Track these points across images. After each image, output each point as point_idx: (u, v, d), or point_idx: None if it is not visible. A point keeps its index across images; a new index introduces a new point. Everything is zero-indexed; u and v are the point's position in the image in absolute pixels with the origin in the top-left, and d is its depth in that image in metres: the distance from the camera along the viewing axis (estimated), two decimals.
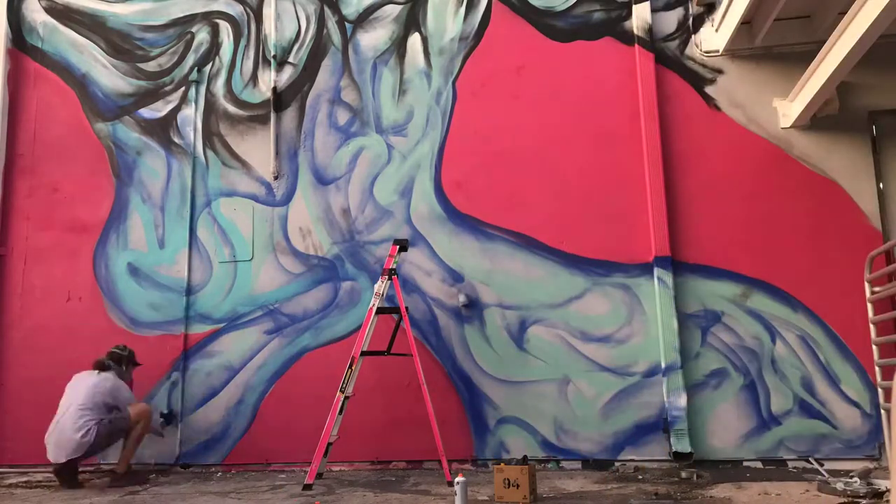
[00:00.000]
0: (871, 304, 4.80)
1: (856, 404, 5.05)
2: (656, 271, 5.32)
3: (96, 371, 5.20)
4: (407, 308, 5.08)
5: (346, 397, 4.88)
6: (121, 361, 5.38)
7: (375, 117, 5.99)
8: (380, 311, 4.99)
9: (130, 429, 5.15)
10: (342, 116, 6.04)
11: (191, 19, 6.39)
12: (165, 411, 5.62)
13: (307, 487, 4.59)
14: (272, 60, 6.17)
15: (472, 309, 5.54)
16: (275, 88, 6.13)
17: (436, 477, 4.96)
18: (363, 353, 4.93)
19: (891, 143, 5.38)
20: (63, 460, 4.88)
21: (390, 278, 5.07)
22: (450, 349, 5.53)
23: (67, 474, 4.96)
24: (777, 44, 5.47)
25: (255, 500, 4.42)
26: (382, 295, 5.03)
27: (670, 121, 5.56)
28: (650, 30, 5.70)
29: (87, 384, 5.08)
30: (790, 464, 5.02)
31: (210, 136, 6.17)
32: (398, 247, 5.23)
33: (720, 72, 5.62)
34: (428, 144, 5.87)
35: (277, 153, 6.05)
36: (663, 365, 5.20)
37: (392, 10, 6.12)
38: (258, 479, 5.14)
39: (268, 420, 5.34)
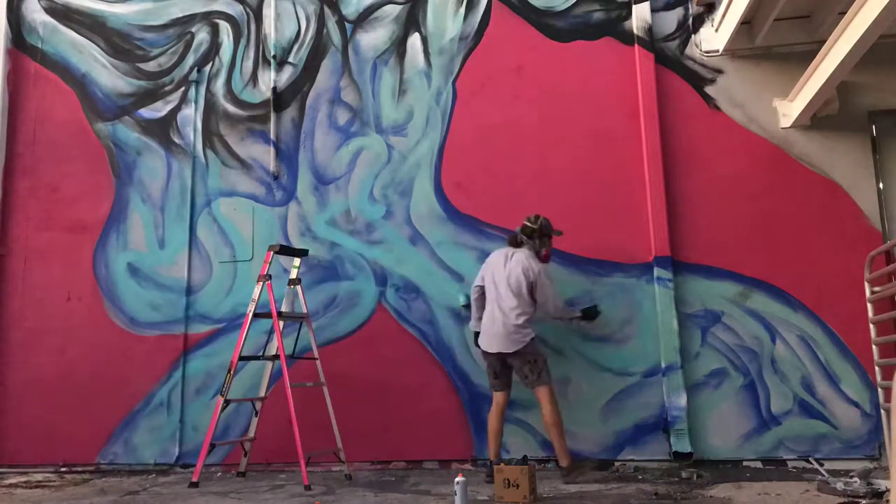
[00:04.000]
0: (871, 304, 4.80)
1: (856, 404, 5.05)
2: (656, 271, 5.32)
3: (511, 250, 4.92)
4: (307, 313, 5.30)
5: (227, 401, 4.99)
6: (532, 235, 4.92)
7: (375, 117, 5.98)
8: (281, 315, 5.18)
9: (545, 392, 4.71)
10: (342, 116, 6.04)
11: (191, 19, 6.39)
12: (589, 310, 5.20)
13: (193, 485, 4.76)
14: (272, 60, 6.17)
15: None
16: (275, 88, 6.12)
17: (436, 477, 4.97)
18: (241, 359, 5.09)
19: (891, 143, 5.38)
20: (494, 350, 4.80)
21: (265, 284, 5.12)
22: (450, 349, 5.53)
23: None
24: (777, 44, 5.47)
25: (255, 500, 4.42)
26: (257, 301, 5.11)
27: (670, 121, 5.55)
28: (650, 30, 5.69)
29: (504, 272, 4.83)
30: (790, 464, 5.02)
31: (210, 136, 6.17)
32: (272, 252, 5.23)
33: (720, 72, 5.62)
34: (428, 144, 5.87)
35: (277, 153, 6.05)
36: (663, 365, 5.20)
37: (392, 10, 6.12)
38: (258, 479, 5.14)
39: (268, 420, 5.33)
